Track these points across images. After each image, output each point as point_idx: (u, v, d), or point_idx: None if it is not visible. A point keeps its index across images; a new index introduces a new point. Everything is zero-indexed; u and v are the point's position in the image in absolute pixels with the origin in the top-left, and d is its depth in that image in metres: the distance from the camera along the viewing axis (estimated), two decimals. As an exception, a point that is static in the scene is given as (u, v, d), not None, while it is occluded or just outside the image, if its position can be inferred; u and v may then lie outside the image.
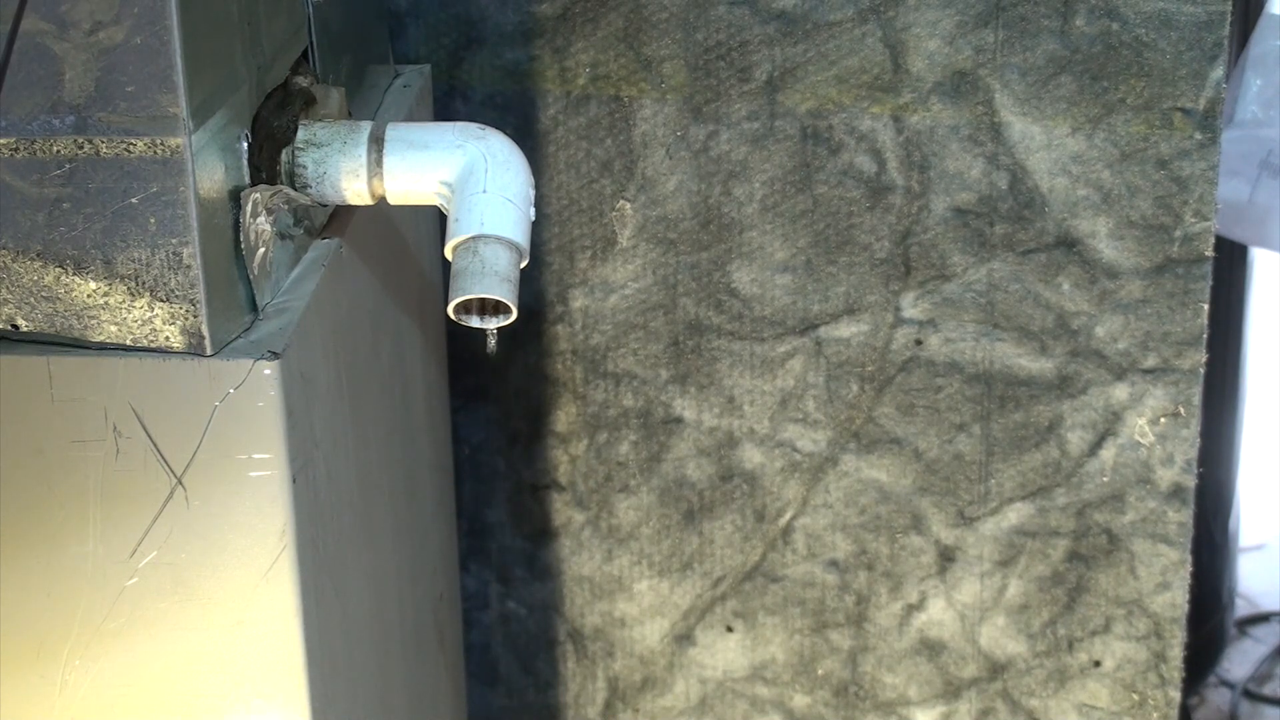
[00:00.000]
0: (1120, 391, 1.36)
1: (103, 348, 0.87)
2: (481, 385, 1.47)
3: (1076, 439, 1.38)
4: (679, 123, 1.35)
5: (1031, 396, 1.37)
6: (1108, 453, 1.38)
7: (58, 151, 0.83)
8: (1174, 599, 1.41)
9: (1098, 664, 1.44)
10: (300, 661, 0.92)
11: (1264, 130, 1.66)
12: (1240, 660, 2.10)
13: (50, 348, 0.87)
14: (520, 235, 0.92)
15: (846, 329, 1.38)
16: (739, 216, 1.36)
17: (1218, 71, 1.26)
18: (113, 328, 0.86)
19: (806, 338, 1.39)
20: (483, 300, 0.91)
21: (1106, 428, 1.37)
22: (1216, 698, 2.05)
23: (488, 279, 0.89)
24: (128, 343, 0.87)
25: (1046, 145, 1.30)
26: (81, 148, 0.83)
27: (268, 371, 0.86)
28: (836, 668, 1.49)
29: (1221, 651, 2.04)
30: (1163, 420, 1.36)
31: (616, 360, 1.42)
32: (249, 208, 0.90)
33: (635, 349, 1.42)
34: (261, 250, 0.91)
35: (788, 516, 1.45)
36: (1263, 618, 2.19)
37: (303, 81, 0.98)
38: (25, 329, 0.87)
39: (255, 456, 0.88)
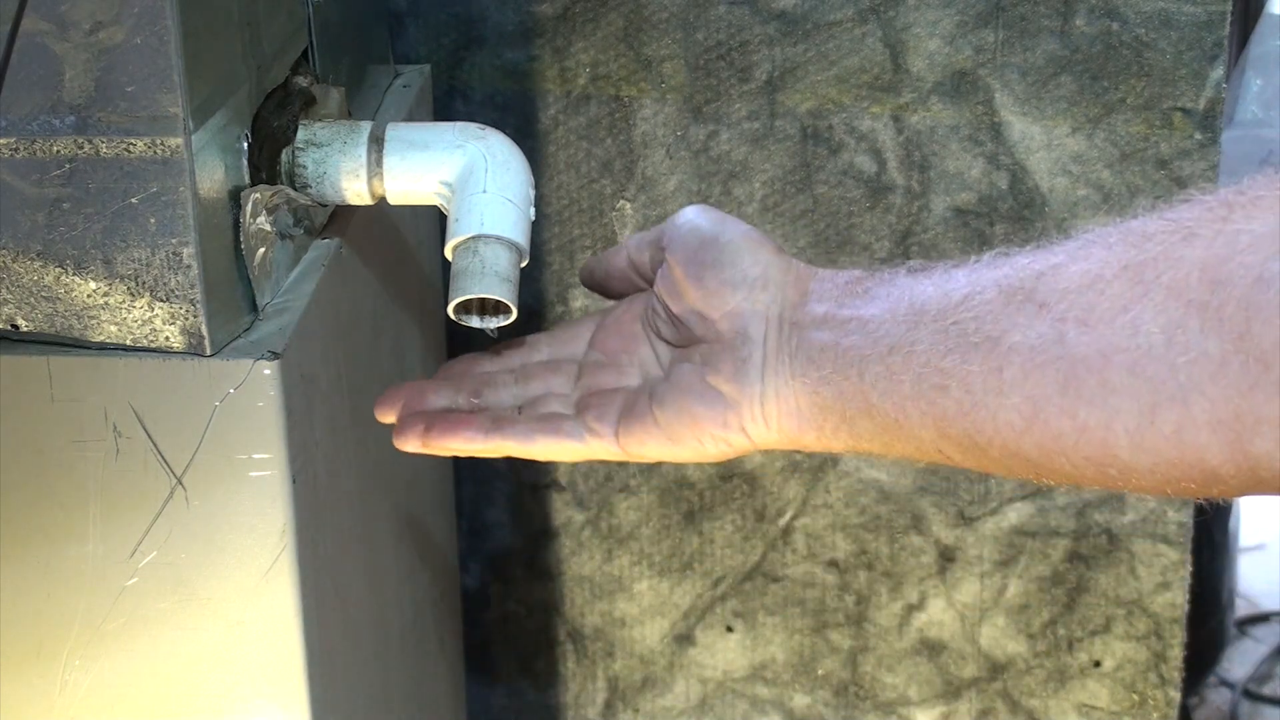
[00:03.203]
0: (1120, 391, 1.36)
1: (103, 348, 0.87)
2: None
3: (1076, 439, 1.38)
4: (679, 123, 1.35)
5: (1031, 396, 1.37)
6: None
7: (58, 151, 0.83)
8: (1174, 599, 1.41)
9: (1098, 664, 1.44)
10: (300, 661, 0.92)
11: (1264, 130, 1.66)
12: (1240, 660, 2.10)
13: (50, 348, 0.87)
14: (520, 235, 0.92)
15: (846, 329, 1.38)
16: (739, 216, 1.36)
17: (1218, 71, 1.26)
18: (113, 328, 0.86)
19: (806, 338, 1.39)
20: (483, 300, 0.91)
21: (1106, 428, 1.37)
22: (1216, 698, 2.05)
23: (488, 279, 0.89)
24: (128, 343, 0.87)
25: (1046, 145, 1.30)
26: (81, 148, 0.83)
27: (268, 371, 0.86)
28: (836, 668, 1.49)
29: (1221, 651, 2.04)
30: (1163, 420, 1.36)
31: (616, 360, 1.42)
32: (249, 208, 0.90)
33: (635, 349, 1.42)
34: (261, 250, 0.91)
35: (788, 516, 1.45)
36: (1263, 618, 2.19)
37: (303, 81, 0.98)
38: (25, 329, 0.87)
39: (255, 456, 0.88)
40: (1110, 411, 0.65)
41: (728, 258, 0.81)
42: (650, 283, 0.87)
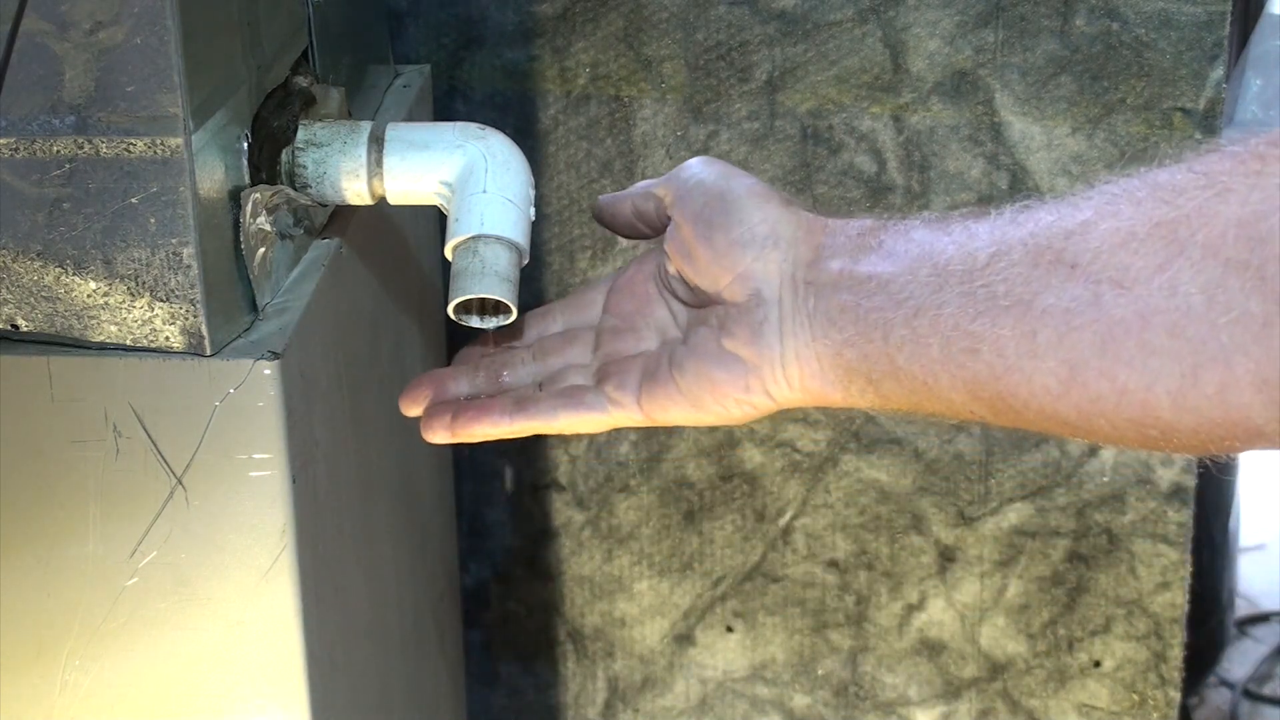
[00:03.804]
0: (1120, 391, 1.36)
1: (103, 348, 0.87)
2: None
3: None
4: (679, 123, 1.35)
5: (1031, 396, 1.37)
6: (1108, 452, 1.38)
7: (58, 151, 0.83)
8: (1174, 599, 1.41)
9: (1098, 664, 1.44)
10: (300, 661, 0.92)
11: (1264, 130, 1.65)
12: (1240, 660, 2.10)
13: (50, 348, 0.87)
14: (520, 235, 0.92)
15: (846, 329, 1.38)
16: (739, 216, 1.36)
17: (1218, 71, 1.26)
18: (113, 328, 0.86)
19: (806, 338, 1.39)
20: (483, 300, 0.90)
21: (1106, 428, 1.37)
22: (1216, 698, 2.05)
23: (488, 279, 0.89)
24: (128, 343, 0.87)
25: (1046, 145, 1.30)
26: (81, 148, 0.83)
27: (268, 371, 0.86)
28: (836, 668, 1.49)
29: (1221, 651, 2.04)
30: (1163, 420, 1.36)
31: (616, 360, 1.42)
32: (249, 208, 0.90)
33: (635, 349, 1.42)
34: (261, 250, 0.91)
35: (788, 516, 1.45)
36: (1263, 618, 2.19)
37: (303, 81, 0.98)
38: (25, 329, 0.87)
39: (255, 456, 0.88)
40: (1151, 373, 0.64)
41: (735, 216, 0.80)
42: (656, 230, 0.86)
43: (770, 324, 0.78)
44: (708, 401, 0.80)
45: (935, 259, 0.73)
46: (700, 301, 0.83)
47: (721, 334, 0.80)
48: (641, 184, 0.87)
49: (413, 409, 0.88)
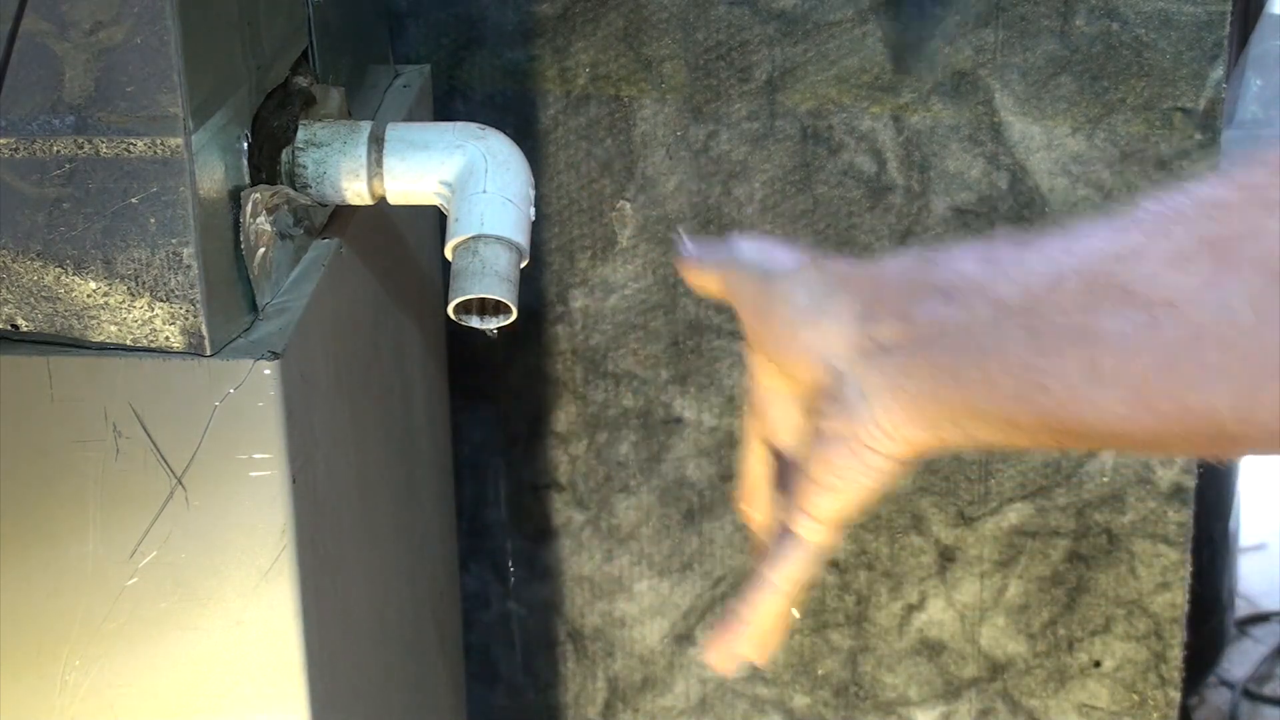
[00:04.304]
0: (1120, 391, 1.35)
1: (103, 348, 0.87)
2: (481, 385, 1.47)
3: (1076, 439, 1.38)
4: (679, 123, 1.35)
5: (1031, 396, 1.37)
6: (1108, 452, 1.38)
7: (58, 151, 0.83)
8: (1174, 599, 1.41)
9: (1098, 664, 1.44)
10: (300, 661, 0.92)
11: (1264, 130, 1.65)
12: (1240, 660, 2.10)
13: (50, 348, 0.87)
14: (520, 235, 0.92)
15: (846, 329, 1.38)
16: (739, 216, 1.36)
17: (1218, 71, 1.26)
18: (113, 328, 0.86)
19: (806, 338, 1.39)
20: (483, 300, 0.91)
21: (1106, 428, 1.37)
22: (1216, 698, 2.05)
23: (488, 279, 0.89)
24: (128, 343, 0.87)
25: (1046, 145, 1.30)
26: (81, 148, 0.83)
27: (268, 371, 0.86)
28: (836, 668, 1.49)
29: (1221, 651, 2.04)
30: (1163, 420, 1.36)
31: (616, 360, 1.42)
32: (249, 208, 0.90)
33: (635, 349, 1.42)
34: (261, 250, 0.91)
35: (788, 516, 1.45)
36: (1263, 618, 2.18)
37: (303, 81, 0.98)
38: (25, 329, 0.87)
39: (255, 456, 0.88)
40: (1211, 391, 0.65)
41: (779, 296, 0.80)
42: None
43: (851, 389, 0.78)
44: (839, 485, 0.81)
45: (991, 295, 0.73)
46: (796, 387, 0.83)
47: (820, 418, 0.80)
48: (698, 258, 0.86)
49: None
